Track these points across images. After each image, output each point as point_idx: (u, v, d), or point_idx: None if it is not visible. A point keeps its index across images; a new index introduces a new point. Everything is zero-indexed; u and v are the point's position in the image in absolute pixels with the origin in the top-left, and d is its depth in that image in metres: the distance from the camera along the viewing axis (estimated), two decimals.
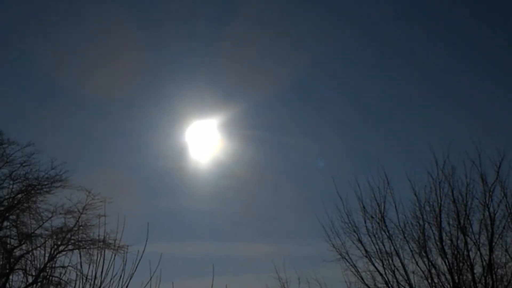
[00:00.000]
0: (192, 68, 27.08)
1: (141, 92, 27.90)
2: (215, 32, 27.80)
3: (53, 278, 17.48)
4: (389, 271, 16.38)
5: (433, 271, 16.07)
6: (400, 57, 28.15)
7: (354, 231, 17.19)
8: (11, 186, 19.74)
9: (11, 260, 18.21)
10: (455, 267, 15.74)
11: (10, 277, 17.88)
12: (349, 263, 16.94)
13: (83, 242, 19.56)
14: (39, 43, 26.37)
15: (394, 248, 16.56)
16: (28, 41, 26.02)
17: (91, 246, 18.61)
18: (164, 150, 27.09)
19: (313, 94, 29.93)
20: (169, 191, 28.06)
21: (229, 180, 26.97)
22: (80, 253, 14.26)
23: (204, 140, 26.50)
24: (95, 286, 11.46)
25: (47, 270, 17.58)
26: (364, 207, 17.18)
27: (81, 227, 19.96)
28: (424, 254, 16.14)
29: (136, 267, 11.25)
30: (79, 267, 12.73)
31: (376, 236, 16.83)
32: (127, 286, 11.32)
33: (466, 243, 15.78)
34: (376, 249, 16.76)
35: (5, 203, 19.64)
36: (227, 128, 26.47)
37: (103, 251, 11.95)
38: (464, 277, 15.79)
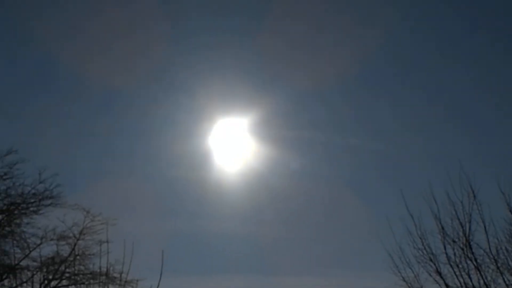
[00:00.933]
0: (220, 60, 26.96)
1: (157, 84, 28.00)
2: (248, 22, 27.66)
3: None
4: None
5: None
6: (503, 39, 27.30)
7: (431, 260, 17.04)
8: None
9: None
10: None
11: None
12: None
13: (81, 275, 19.66)
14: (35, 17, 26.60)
15: (484, 282, 16.38)
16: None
17: (91, 281, 18.81)
18: (182, 156, 26.99)
19: (375, 83, 29.34)
20: (190, 209, 27.63)
21: (266, 194, 27.00)
22: None
23: (233, 143, 26.53)
24: None
25: None
26: (443, 228, 17.04)
27: (77, 257, 20.05)
28: None
29: None
30: None
31: (460, 266, 16.71)
32: None
33: None
34: (460, 282, 16.62)
35: None
36: (261, 128, 26.41)
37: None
38: None
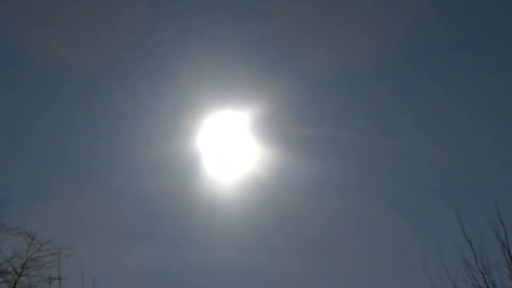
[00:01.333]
0: (214, 39, 27.16)
1: (128, 66, 28.14)
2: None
3: None
4: None
5: None
6: None
7: None
8: None
9: None
10: None
11: None
12: None
13: None
14: None
15: None
16: None
17: None
18: (161, 163, 27.06)
19: (415, 67, 29.06)
20: (170, 234, 27.59)
21: (273, 213, 26.91)
22: None
23: (229, 145, 26.88)
24: None
25: None
26: None
27: None
28: None
29: None
30: None
31: None
32: None
33: None
34: None
35: None
36: (265, 125, 26.68)
37: None
38: None
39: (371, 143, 27.91)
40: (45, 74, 27.56)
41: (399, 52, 28.05)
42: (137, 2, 26.95)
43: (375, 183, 28.49)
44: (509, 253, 16.78)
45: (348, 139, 27.82)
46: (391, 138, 27.93)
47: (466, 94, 28.42)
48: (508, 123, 27.65)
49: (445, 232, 22.38)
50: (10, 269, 20.63)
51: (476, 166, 27.42)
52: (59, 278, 21.17)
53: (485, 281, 16.90)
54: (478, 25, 28.02)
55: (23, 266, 20.68)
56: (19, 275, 20.58)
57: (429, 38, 28.56)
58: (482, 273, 16.94)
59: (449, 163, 27.65)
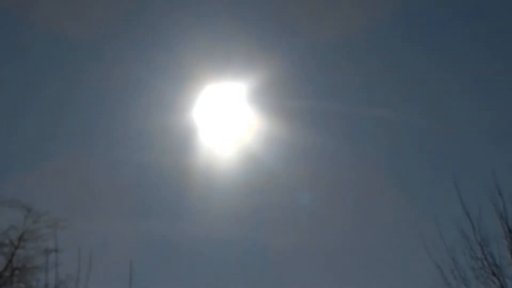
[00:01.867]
0: (209, 4, 27.05)
1: (121, 34, 27.94)
2: None
3: None
4: None
5: None
6: None
7: (494, 274, 17.01)
8: None
9: None
10: None
11: None
12: None
13: None
14: None
15: None
16: None
17: None
18: (157, 136, 27.01)
19: (415, 34, 29.00)
20: (167, 207, 27.80)
21: (271, 186, 26.99)
22: None
23: (226, 118, 26.86)
24: None
25: None
26: (510, 231, 17.00)
27: (16, 271, 20.27)
28: None
29: None
30: None
31: None
32: None
33: None
34: None
35: None
36: (265, 96, 26.57)
37: None
38: None
39: (367, 115, 27.94)
40: (42, 44, 27.52)
41: (393, 23, 28.11)
42: None
43: (371, 155, 28.65)
44: (507, 224, 16.90)
45: (344, 111, 27.83)
46: (387, 110, 27.90)
47: (462, 65, 28.50)
48: (505, 93, 27.69)
49: (442, 205, 22.34)
50: (6, 241, 20.47)
51: (474, 138, 27.54)
52: (56, 251, 21.06)
53: (483, 253, 17.01)
54: None
55: (20, 238, 20.49)
56: (16, 247, 20.41)
57: (423, 9, 28.49)
58: (480, 245, 17.06)
59: (445, 135, 27.75)
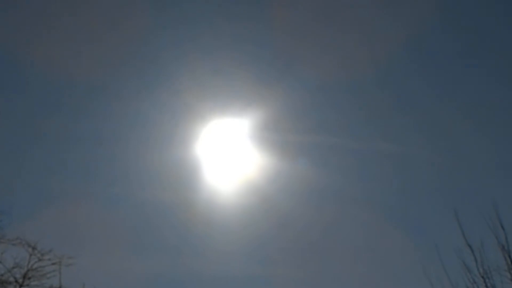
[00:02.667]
0: (213, 44, 27.08)
1: (127, 74, 28.09)
2: None
3: None
4: None
5: None
6: None
7: None
8: None
9: None
10: None
11: None
12: None
13: None
14: None
15: None
16: None
17: None
18: (161, 172, 27.06)
19: (414, 74, 29.06)
20: (171, 243, 27.58)
21: (274, 221, 26.89)
22: None
23: (229, 153, 26.78)
24: None
25: None
26: None
27: None
28: None
29: None
30: None
31: None
32: None
33: None
34: None
35: None
36: (266, 132, 26.61)
37: None
38: None
39: (370, 149, 27.89)
40: (45, 82, 27.58)
41: (398, 58, 28.12)
42: (136, 11, 26.86)
43: (375, 189, 28.49)
44: (509, 256, 16.69)
45: (347, 146, 27.76)
46: (389, 144, 27.93)
47: (465, 99, 28.48)
48: (506, 127, 27.66)
49: (445, 237, 22.13)
50: (11, 279, 20.29)
51: (475, 171, 27.36)
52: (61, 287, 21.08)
53: (486, 285, 16.80)
54: (478, 31, 28.04)
55: (24, 276, 20.36)
56: (21, 285, 20.26)
57: (429, 45, 28.58)
58: (483, 277, 16.84)
59: (448, 168, 27.64)
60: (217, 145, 26.23)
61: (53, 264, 20.71)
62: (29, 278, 20.65)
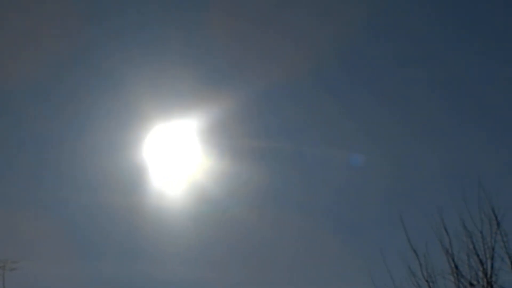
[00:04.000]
0: (159, 42, 27.12)
1: (68, 74, 27.78)
2: None
3: None
4: None
5: None
6: None
7: None
8: None
9: None
10: None
11: None
12: None
13: None
14: None
15: None
16: None
17: None
18: (106, 176, 26.80)
19: (360, 76, 29.25)
20: (117, 248, 27.32)
21: (221, 226, 26.72)
22: None
23: (176, 156, 26.71)
24: None
25: None
26: (457, 267, 17.08)
27: None
28: None
29: None
30: None
31: None
32: None
33: None
34: None
35: None
36: (215, 135, 26.53)
37: None
38: None
39: (315, 154, 28.00)
40: None
41: (341, 63, 28.34)
42: (82, 15, 26.70)
43: (319, 194, 28.49)
44: (453, 260, 17.03)
45: (292, 151, 27.91)
46: (334, 149, 27.98)
47: (411, 106, 28.80)
48: (452, 133, 28.04)
49: (390, 242, 22.33)
50: None
51: (420, 176, 27.56)
52: None
53: None
54: (414, 33, 28.41)
55: None
56: None
57: (364, 46, 28.74)
58: (427, 281, 17.14)
59: (393, 173, 27.81)
60: (164, 149, 26.16)
61: None
62: None
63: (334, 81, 28.87)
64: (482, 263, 16.89)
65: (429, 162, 27.59)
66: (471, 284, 16.87)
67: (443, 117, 28.15)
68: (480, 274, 16.87)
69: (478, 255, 16.93)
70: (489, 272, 16.78)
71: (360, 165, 27.52)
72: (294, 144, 28.03)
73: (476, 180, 17.91)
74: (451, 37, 27.91)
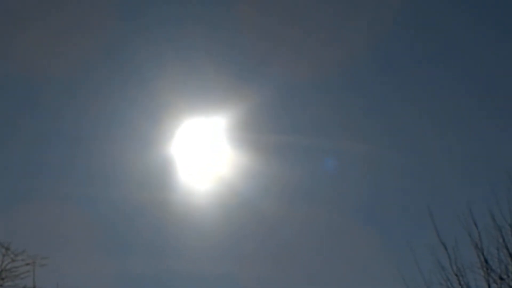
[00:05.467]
0: (187, 39, 27.05)
1: (98, 72, 27.87)
2: None
3: None
4: None
5: None
6: None
7: None
8: None
9: None
10: None
11: None
12: None
13: None
14: None
15: None
16: None
17: None
18: (135, 172, 26.78)
19: (389, 71, 29.21)
20: (146, 243, 27.29)
21: (249, 221, 26.70)
22: None
23: (204, 152, 26.76)
24: None
25: None
26: (486, 261, 16.95)
27: None
28: None
29: None
30: None
31: None
32: None
33: None
34: None
35: None
36: (243, 131, 26.55)
37: None
38: None
39: (343, 150, 27.76)
40: (21, 81, 27.36)
41: (369, 60, 28.21)
42: (111, 12, 26.76)
43: (348, 189, 28.42)
44: (483, 254, 16.86)
45: (320, 147, 27.79)
46: (361, 144, 27.81)
47: (438, 100, 28.60)
48: (480, 125, 27.81)
49: (419, 236, 22.07)
50: None
51: (448, 170, 27.39)
52: None
53: (459, 283, 16.93)
54: (446, 32, 28.21)
55: None
56: None
57: (398, 46, 28.78)
58: (456, 275, 16.99)
59: (420, 168, 27.73)
60: (192, 144, 26.25)
61: (26, 264, 20.46)
62: (3, 279, 20.41)
63: (361, 77, 28.85)
64: None
65: (458, 155, 27.46)
66: (501, 278, 16.70)
67: (471, 111, 28.04)
68: (510, 268, 16.72)
69: (507, 249, 16.76)
70: None
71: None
72: (322, 140, 27.98)
73: (505, 173, 17.88)
74: (480, 32, 27.83)
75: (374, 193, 28.43)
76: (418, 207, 25.93)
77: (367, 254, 26.41)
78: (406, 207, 27.36)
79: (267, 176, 27.03)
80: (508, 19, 27.24)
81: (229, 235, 26.70)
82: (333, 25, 27.54)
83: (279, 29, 27.36)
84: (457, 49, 28.10)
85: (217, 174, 26.75)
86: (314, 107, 28.70)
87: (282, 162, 27.53)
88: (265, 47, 27.54)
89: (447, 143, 27.83)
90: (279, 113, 27.97)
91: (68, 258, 23.76)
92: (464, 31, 27.93)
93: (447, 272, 17.13)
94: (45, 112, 28.06)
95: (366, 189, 28.28)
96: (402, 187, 28.02)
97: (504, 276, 16.70)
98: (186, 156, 26.46)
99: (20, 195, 26.48)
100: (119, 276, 25.98)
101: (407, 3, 27.23)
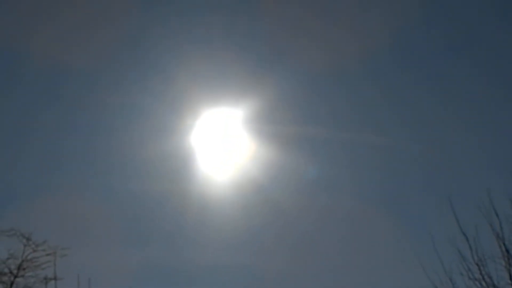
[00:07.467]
0: (206, 31, 27.08)
1: (120, 64, 27.96)
2: None
3: None
4: None
5: None
6: None
7: None
8: None
9: None
10: None
11: None
12: None
13: None
14: None
15: None
16: None
17: None
18: (155, 163, 26.88)
19: (409, 62, 29.06)
20: (165, 234, 27.54)
21: (267, 212, 26.87)
22: None
23: (223, 143, 26.81)
24: None
25: None
26: (507, 251, 16.70)
27: None
28: None
29: None
30: None
31: None
32: None
33: None
34: None
35: None
36: (261, 122, 26.56)
37: None
38: None
39: (363, 142, 27.68)
40: (41, 74, 27.40)
41: (388, 52, 28.01)
42: (130, 4, 26.78)
43: (368, 181, 28.41)
44: (504, 244, 16.58)
45: (339, 138, 27.64)
46: (380, 136, 27.82)
47: (455, 92, 28.47)
48: (498, 117, 27.67)
49: (439, 226, 21.96)
50: (6, 270, 20.42)
51: (468, 161, 27.34)
52: (55, 279, 21.00)
53: (481, 273, 16.65)
54: (464, 25, 28.09)
55: (19, 267, 20.49)
56: (15, 276, 20.40)
57: (417, 39, 28.62)
58: (477, 265, 16.71)
59: (440, 158, 27.60)
60: (211, 136, 26.25)
61: (47, 255, 20.74)
62: (24, 269, 20.66)
63: (381, 69, 28.77)
64: None
65: (478, 145, 27.35)
66: None
67: (489, 100, 27.89)
68: None
69: None
70: None
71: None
72: (341, 131, 27.88)
73: None
74: (502, 25, 27.65)
75: (394, 184, 28.42)
76: (438, 197, 25.81)
77: (388, 245, 26.43)
78: (426, 197, 27.29)
79: (285, 167, 27.04)
80: None
81: (247, 226, 26.84)
82: (353, 16, 27.50)
83: (299, 20, 27.31)
84: (478, 41, 28.03)
85: (236, 165, 26.85)
86: (334, 99, 28.73)
87: (301, 154, 27.57)
88: (284, 38, 27.52)
89: (466, 133, 27.77)
90: (298, 105, 27.98)
91: (88, 249, 23.94)
92: (486, 23, 27.79)
93: (468, 262, 16.87)
94: (66, 105, 28.14)
95: (386, 180, 28.30)
96: (422, 178, 28.05)
97: None
98: (205, 148, 26.54)
99: (41, 187, 26.69)
100: (138, 266, 26.19)
101: None
